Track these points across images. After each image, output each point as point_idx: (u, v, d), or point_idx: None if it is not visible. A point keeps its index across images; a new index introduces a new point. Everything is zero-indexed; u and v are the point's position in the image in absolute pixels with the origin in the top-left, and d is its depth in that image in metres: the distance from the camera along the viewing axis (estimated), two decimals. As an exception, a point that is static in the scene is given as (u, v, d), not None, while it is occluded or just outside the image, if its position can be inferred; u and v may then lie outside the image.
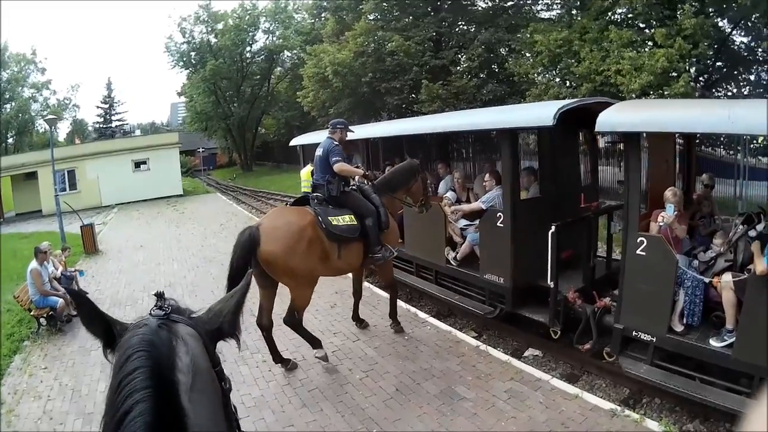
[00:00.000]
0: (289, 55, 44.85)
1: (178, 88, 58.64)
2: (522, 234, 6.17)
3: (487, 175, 6.99)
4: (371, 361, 5.71)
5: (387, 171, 8.16)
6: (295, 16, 43.67)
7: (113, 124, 60.59)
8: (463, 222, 7.28)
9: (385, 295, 6.79)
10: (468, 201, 7.68)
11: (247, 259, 4.95)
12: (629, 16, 16.44)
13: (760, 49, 15.55)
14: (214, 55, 42.17)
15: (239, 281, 1.61)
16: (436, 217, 7.20)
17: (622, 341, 5.10)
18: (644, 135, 5.27)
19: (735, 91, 16.91)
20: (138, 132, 65.20)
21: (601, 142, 13.02)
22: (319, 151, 5.89)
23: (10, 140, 46.38)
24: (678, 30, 13.62)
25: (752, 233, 4.94)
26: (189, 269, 11.12)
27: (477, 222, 6.89)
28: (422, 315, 7.09)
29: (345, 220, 5.58)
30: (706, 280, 4.75)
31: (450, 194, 7.68)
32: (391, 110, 24.98)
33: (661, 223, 4.86)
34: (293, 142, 13.66)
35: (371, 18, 25.10)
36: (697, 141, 8.57)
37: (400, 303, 7.24)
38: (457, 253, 7.26)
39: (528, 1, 22.77)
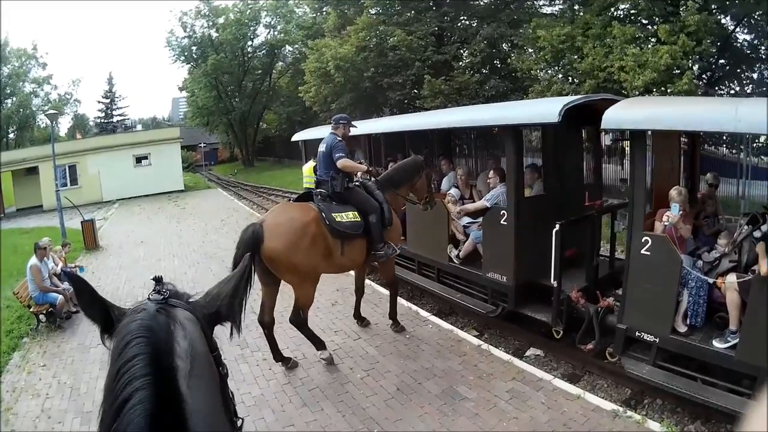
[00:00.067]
0: (291, 49, 44.85)
1: (180, 82, 58.56)
2: (525, 232, 6.12)
3: (491, 172, 6.93)
4: (372, 360, 5.67)
5: (390, 167, 8.11)
6: (297, 10, 43.58)
7: (114, 119, 60.47)
8: (466, 219, 7.23)
9: (387, 293, 6.75)
10: (471, 198, 7.63)
11: (252, 257, 4.90)
12: (632, 12, 16.36)
13: (763, 47, 15.51)
14: (216, 50, 42.08)
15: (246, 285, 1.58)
16: (438, 214, 7.15)
17: (625, 341, 5.06)
18: (649, 133, 5.20)
19: (738, 89, 16.86)
20: (139, 127, 65.13)
21: (607, 140, 12.97)
22: (322, 147, 5.84)
23: (12, 135, 46.30)
24: (681, 27, 13.54)
25: (757, 234, 4.88)
26: (190, 265, 11.10)
27: (480, 219, 6.84)
28: (424, 313, 7.06)
29: (349, 216, 5.54)
30: (710, 280, 4.71)
31: (454, 191, 7.61)
32: (393, 105, 24.92)
33: (666, 223, 4.80)
34: (295, 138, 13.61)
35: (373, 12, 25.02)
36: (701, 139, 8.49)
37: (401, 301, 7.22)
38: (460, 250, 7.21)
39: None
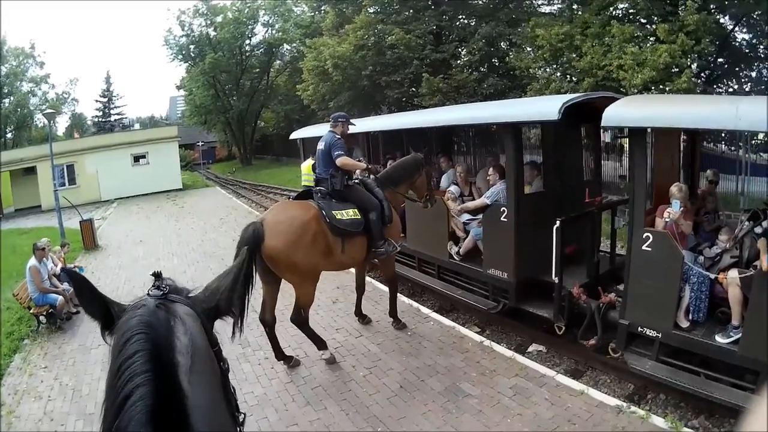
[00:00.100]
0: (289, 48, 44.71)
1: (177, 81, 58.31)
2: (526, 229, 6.13)
3: (491, 169, 6.92)
4: (374, 358, 5.67)
5: (389, 165, 8.10)
6: (295, 9, 43.43)
7: (112, 118, 60.35)
8: (465, 216, 7.23)
9: (387, 290, 6.75)
10: (471, 195, 7.63)
11: (253, 256, 4.89)
12: (631, 11, 16.36)
13: (761, 46, 15.52)
14: (213, 49, 41.96)
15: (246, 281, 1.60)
16: (438, 211, 7.15)
17: (628, 337, 5.07)
18: (649, 130, 5.21)
19: (736, 87, 16.92)
20: (137, 126, 64.81)
21: (607, 137, 12.98)
22: (321, 145, 5.84)
23: (9, 135, 46.12)
24: (680, 26, 13.54)
25: (758, 230, 4.90)
26: (189, 264, 11.08)
27: (480, 216, 6.84)
28: (425, 310, 7.06)
29: (349, 214, 5.54)
30: (712, 276, 4.71)
31: (453, 188, 7.61)
32: (391, 104, 24.88)
33: (666, 219, 4.81)
34: (293, 136, 13.58)
35: (371, 11, 24.93)
36: (700, 137, 8.51)
37: (402, 298, 7.22)
38: (460, 247, 7.21)
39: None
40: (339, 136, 5.79)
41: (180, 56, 44.24)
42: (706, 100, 6.40)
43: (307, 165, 9.96)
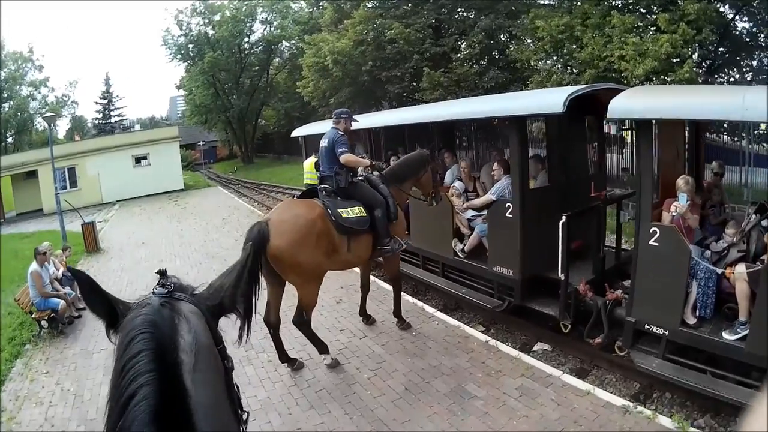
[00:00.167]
0: (288, 45, 44.55)
1: (177, 81, 58.28)
2: (531, 224, 6.04)
3: (495, 164, 6.84)
4: (379, 359, 5.61)
5: (392, 161, 8.02)
6: (293, 5, 43.37)
7: (112, 120, 60.37)
8: (470, 213, 7.14)
9: (392, 288, 6.69)
10: (475, 190, 7.53)
11: (259, 256, 4.82)
12: (630, 1, 16.21)
13: (762, 35, 15.36)
14: (212, 47, 41.87)
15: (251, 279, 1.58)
16: (443, 207, 7.04)
17: (634, 334, 4.99)
18: (654, 122, 5.12)
19: (737, 76, 16.74)
20: (137, 127, 64.84)
21: (613, 130, 12.87)
22: (324, 142, 5.77)
23: (10, 139, 46.28)
24: (681, 15, 13.40)
25: (765, 223, 4.82)
26: (192, 266, 11.05)
27: (485, 213, 6.75)
28: (429, 309, 7.00)
29: (354, 212, 5.48)
30: (719, 271, 4.63)
31: (458, 184, 7.50)
32: (392, 99, 24.79)
33: (674, 213, 4.72)
34: (295, 133, 13.51)
35: (370, 5, 24.84)
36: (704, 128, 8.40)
37: (406, 297, 7.16)
38: (465, 244, 7.13)
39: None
40: (342, 133, 5.73)
41: (179, 56, 44.19)
42: (712, 91, 6.30)
43: (309, 163, 9.90)
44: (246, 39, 44.16)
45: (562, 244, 5.48)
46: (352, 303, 7.05)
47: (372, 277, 7.10)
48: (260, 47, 44.87)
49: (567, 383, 4.86)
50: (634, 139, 5.54)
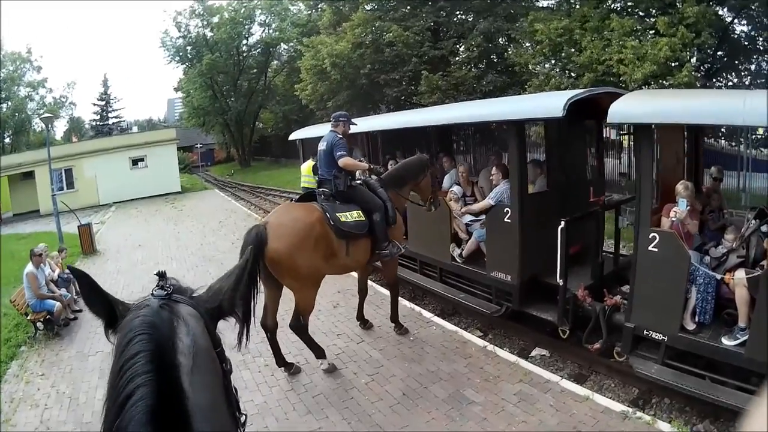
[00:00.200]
0: (286, 47, 44.48)
1: (175, 83, 58.25)
2: (530, 229, 6.02)
3: (494, 168, 6.82)
4: (376, 364, 5.58)
5: (390, 165, 8.00)
6: (291, 7, 43.26)
7: (110, 121, 60.10)
8: (468, 217, 7.12)
9: (389, 293, 6.65)
10: (473, 195, 7.51)
11: (257, 259, 4.79)
12: (629, 4, 16.24)
13: (760, 39, 15.40)
14: (210, 49, 41.76)
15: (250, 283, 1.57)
16: (440, 212, 6.99)
17: (633, 340, 4.97)
18: (653, 126, 5.11)
19: (736, 80, 16.77)
20: (135, 129, 64.57)
21: (613, 134, 12.86)
22: (322, 145, 5.74)
23: (7, 140, 46.02)
24: (680, 18, 13.42)
25: (765, 228, 4.82)
26: (188, 269, 10.99)
27: (483, 218, 6.73)
28: (427, 314, 6.97)
29: (353, 216, 5.45)
30: (719, 276, 4.62)
31: (456, 188, 7.48)
32: (390, 102, 24.74)
33: (673, 218, 4.71)
34: (292, 137, 13.46)
35: (368, 8, 24.80)
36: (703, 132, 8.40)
37: (403, 302, 7.13)
38: (463, 249, 7.10)
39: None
40: (341, 136, 5.70)
41: (177, 58, 44.02)
42: (713, 95, 6.31)
43: (307, 166, 9.86)
44: (244, 41, 44.10)
45: (561, 249, 5.45)
46: (349, 307, 7.02)
47: (369, 282, 7.07)
48: (258, 49, 44.77)
49: (565, 389, 4.84)
50: (634, 143, 5.51)
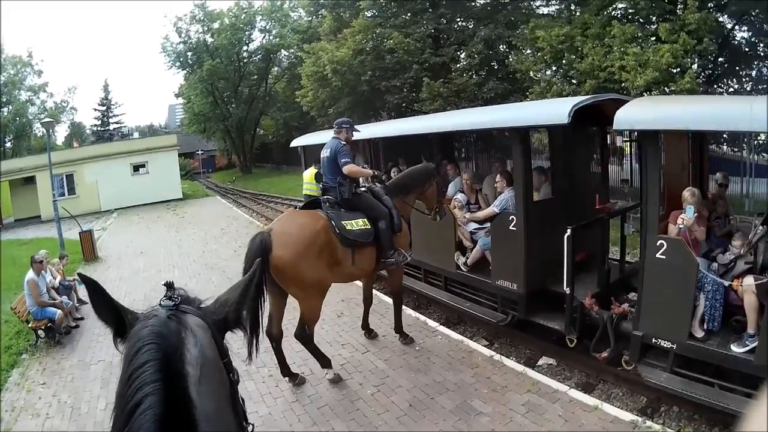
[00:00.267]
0: (287, 54, 44.51)
1: (176, 89, 58.27)
2: (535, 237, 5.97)
3: (498, 176, 6.78)
4: (382, 375, 5.51)
5: (392, 173, 7.96)
6: (292, 14, 43.40)
7: (111, 127, 60.23)
8: (473, 225, 7.06)
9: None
10: (477, 203, 7.46)
11: (264, 269, 4.73)
12: (630, 11, 16.27)
13: (761, 45, 15.43)
14: (211, 55, 41.82)
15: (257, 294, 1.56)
16: (445, 220, 6.96)
17: (641, 348, 4.92)
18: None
19: (737, 86, 16.80)
20: (136, 134, 64.63)
21: (618, 140, 12.85)
22: (326, 152, 5.70)
23: (8, 144, 46.13)
24: (682, 25, 13.43)
25: (772, 234, 4.78)
26: (190, 277, 10.93)
27: (488, 225, 6.68)
28: (432, 323, 6.90)
29: (359, 224, 5.41)
30: (727, 283, 4.58)
31: (460, 196, 7.42)
32: (391, 109, 24.75)
33: (681, 225, 4.67)
34: (294, 143, 13.43)
35: (369, 15, 24.86)
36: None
37: (408, 311, 7.08)
38: (468, 258, 7.06)
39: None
40: (344, 143, 5.67)
41: (178, 63, 44.11)
42: (719, 101, 6.28)
43: (309, 173, 9.82)
44: (245, 47, 44.17)
45: (568, 257, 5.40)
46: (354, 317, 6.96)
47: (374, 291, 7.02)
48: (259, 56, 44.85)
49: (574, 398, 4.78)
50: (640, 150, 5.47)
